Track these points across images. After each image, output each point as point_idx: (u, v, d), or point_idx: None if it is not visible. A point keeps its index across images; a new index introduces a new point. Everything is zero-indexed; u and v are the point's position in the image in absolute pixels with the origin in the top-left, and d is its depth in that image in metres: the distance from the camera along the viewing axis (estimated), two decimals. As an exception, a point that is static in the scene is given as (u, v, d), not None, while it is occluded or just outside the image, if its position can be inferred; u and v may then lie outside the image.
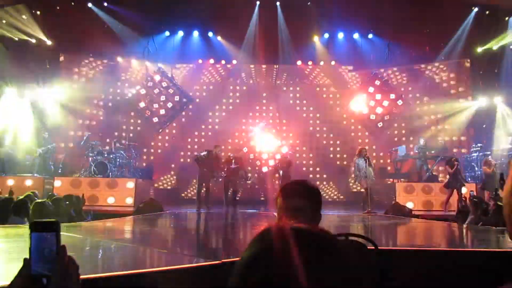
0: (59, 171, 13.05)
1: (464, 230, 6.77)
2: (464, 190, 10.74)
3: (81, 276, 1.00)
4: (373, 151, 15.96)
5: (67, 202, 7.21)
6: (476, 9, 13.89)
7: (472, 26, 13.88)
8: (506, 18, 13.24)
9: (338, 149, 17.20)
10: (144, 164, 15.57)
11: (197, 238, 6.14)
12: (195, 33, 15.75)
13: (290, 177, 11.83)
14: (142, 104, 15.05)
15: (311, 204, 1.89)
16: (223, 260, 2.90)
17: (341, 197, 16.46)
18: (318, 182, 16.05)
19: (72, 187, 11.23)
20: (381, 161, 16.14)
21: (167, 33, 15.67)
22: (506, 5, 13.07)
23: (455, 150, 14.63)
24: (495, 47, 13.82)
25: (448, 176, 11.45)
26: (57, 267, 0.95)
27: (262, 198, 15.10)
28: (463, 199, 9.98)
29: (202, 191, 11.58)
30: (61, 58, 14.91)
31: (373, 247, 2.81)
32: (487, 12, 13.64)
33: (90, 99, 15.36)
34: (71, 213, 7.13)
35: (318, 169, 17.15)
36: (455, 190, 11.00)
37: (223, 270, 2.69)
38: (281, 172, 12.46)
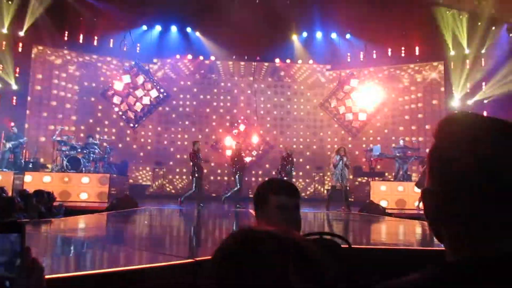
0: (30, 166, 12.68)
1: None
2: None
3: (47, 276, 0.97)
4: (350, 150, 16.12)
5: (37, 198, 7.02)
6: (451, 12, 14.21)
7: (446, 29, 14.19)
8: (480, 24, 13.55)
9: (314, 147, 17.31)
10: (118, 160, 15.28)
11: (171, 236, 6.07)
12: (173, 28, 15.58)
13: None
14: (117, 99, 14.78)
15: (295, 202, 1.91)
16: (196, 259, 2.87)
17: (316, 194, 16.60)
18: (294, 180, 16.11)
19: (43, 182, 10.92)
20: (357, 160, 16.33)
21: (144, 27, 15.43)
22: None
23: (427, 150, 14.89)
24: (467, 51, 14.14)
25: (420, 175, 11.69)
26: (21, 269, 0.92)
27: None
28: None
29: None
30: (34, 50, 14.45)
31: (347, 245, 2.83)
32: (460, 17, 13.97)
33: (64, 93, 14.99)
34: (41, 210, 6.94)
35: (294, 166, 17.18)
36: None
37: (196, 269, 2.66)
38: (287, 169, 11.99)
